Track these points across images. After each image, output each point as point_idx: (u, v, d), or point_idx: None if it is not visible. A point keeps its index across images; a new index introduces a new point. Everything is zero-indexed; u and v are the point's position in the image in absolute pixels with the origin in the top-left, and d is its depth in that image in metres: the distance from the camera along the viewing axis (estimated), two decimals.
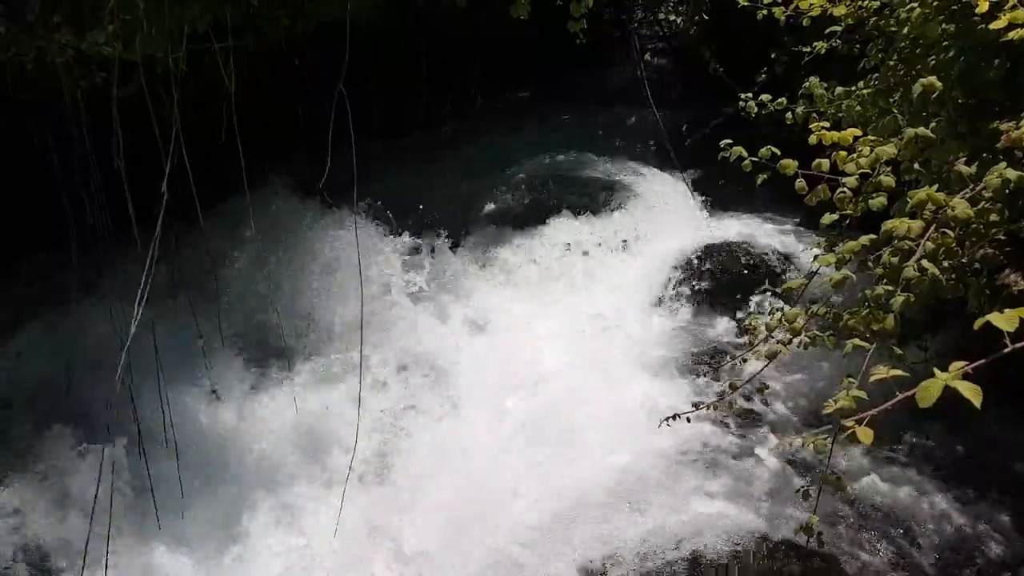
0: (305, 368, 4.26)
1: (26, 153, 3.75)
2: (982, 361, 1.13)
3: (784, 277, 4.49)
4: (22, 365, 4.15)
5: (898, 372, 1.21)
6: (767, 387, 2.66)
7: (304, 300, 4.54)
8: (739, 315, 4.48)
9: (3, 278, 4.46)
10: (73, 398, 3.85)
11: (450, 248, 5.16)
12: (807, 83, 3.36)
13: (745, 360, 2.56)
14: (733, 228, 5.20)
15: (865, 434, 1.25)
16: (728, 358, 3.07)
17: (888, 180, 2.26)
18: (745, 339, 2.68)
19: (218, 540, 3.38)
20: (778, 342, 2.42)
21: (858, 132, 2.49)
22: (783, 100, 3.27)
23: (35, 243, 4.43)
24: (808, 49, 3.85)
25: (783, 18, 3.51)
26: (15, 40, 2.93)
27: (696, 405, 2.58)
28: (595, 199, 5.56)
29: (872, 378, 1.25)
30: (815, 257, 2.47)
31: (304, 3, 4.27)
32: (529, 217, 5.54)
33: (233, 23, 3.44)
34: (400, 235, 5.06)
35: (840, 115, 3.09)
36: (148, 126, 3.00)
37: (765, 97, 3.28)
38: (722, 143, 2.70)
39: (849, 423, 1.28)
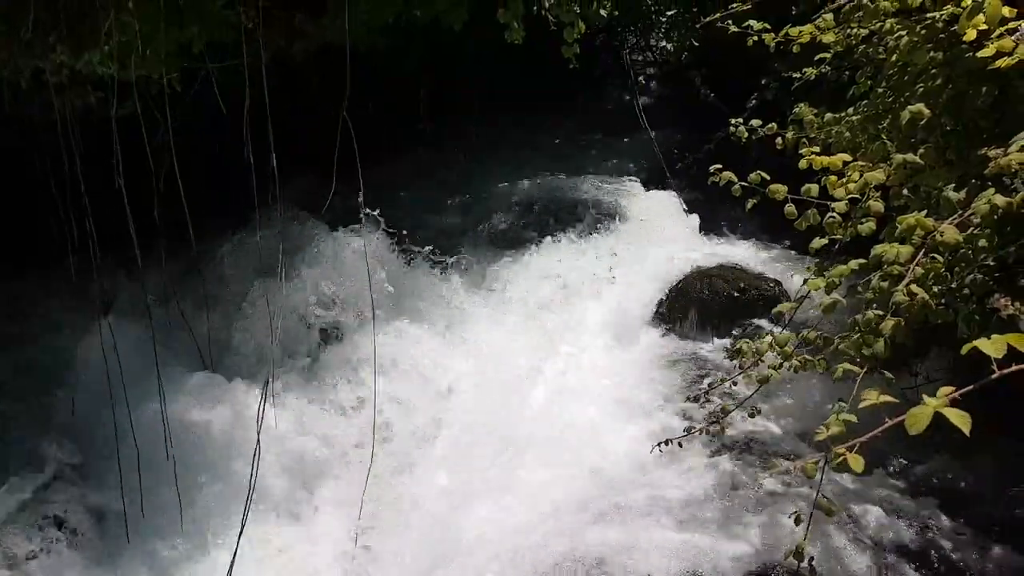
0: (295, 386, 4.24)
1: (24, 171, 3.75)
2: (970, 387, 1.13)
3: (775, 300, 4.50)
4: (23, 380, 4.13)
5: (888, 398, 1.21)
6: (759, 411, 2.66)
7: (296, 320, 4.53)
8: (729, 338, 4.48)
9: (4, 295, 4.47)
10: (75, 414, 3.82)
11: (443, 270, 5.16)
12: (797, 109, 3.39)
13: (735, 384, 2.56)
14: (724, 251, 5.23)
15: (856, 461, 1.24)
16: (719, 381, 3.08)
17: (877, 205, 2.28)
18: (736, 362, 2.68)
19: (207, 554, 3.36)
20: (769, 366, 2.43)
21: (847, 157, 2.51)
22: (773, 125, 3.30)
23: (36, 260, 4.43)
24: (798, 75, 3.89)
25: (773, 44, 3.55)
26: (11, 59, 2.94)
27: (688, 430, 2.58)
28: (587, 220, 5.60)
29: (862, 404, 1.25)
30: (805, 281, 2.48)
31: (301, 25, 4.30)
32: (522, 238, 5.57)
33: (228, 43, 3.47)
34: (393, 256, 5.06)
35: (830, 140, 3.12)
36: (140, 145, 3.01)
37: (755, 122, 3.31)
38: (711, 168, 2.72)
39: (840, 450, 1.28)
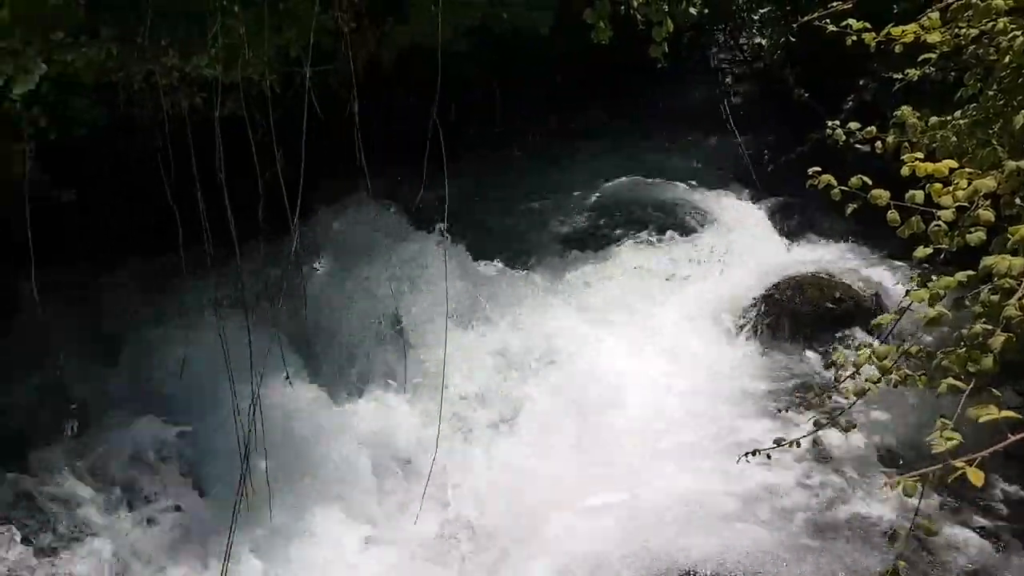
0: (380, 380, 4.33)
1: (138, 165, 3.96)
2: None
3: (872, 311, 4.33)
4: (134, 365, 4.34)
5: (1010, 413, 1.16)
6: (855, 425, 2.56)
7: (383, 315, 4.62)
8: (823, 348, 4.34)
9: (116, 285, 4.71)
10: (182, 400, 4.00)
11: (521, 270, 5.16)
12: (899, 112, 3.25)
13: (830, 396, 2.48)
14: (818, 257, 5.07)
15: (976, 476, 1.19)
16: (812, 393, 2.99)
17: (987, 214, 2.17)
18: (830, 374, 2.60)
19: (299, 538, 3.47)
20: (867, 380, 2.34)
21: (954, 164, 2.40)
22: (873, 128, 3.17)
23: (144, 251, 4.66)
24: (900, 76, 3.73)
25: (873, 44, 3.41)
26: (126, 61, 3.12)
27: (778, 442, 2.50)
28: (671, 223, 5.50)
29: (982, 419, 1.19)
30: (907, 292, 2.38)
31: (392, 30, 4.40)
32: (603, 240, 5.52)
33: (324, 48, 3.58)
34: (471, 256, 5.09)
35: (934, 146, 2.99)
36: (243, 143, 3.14)
37: (853, 125, 3.19)
38: (810, 171, 2.64)
39: (959, 463, 1.22)
